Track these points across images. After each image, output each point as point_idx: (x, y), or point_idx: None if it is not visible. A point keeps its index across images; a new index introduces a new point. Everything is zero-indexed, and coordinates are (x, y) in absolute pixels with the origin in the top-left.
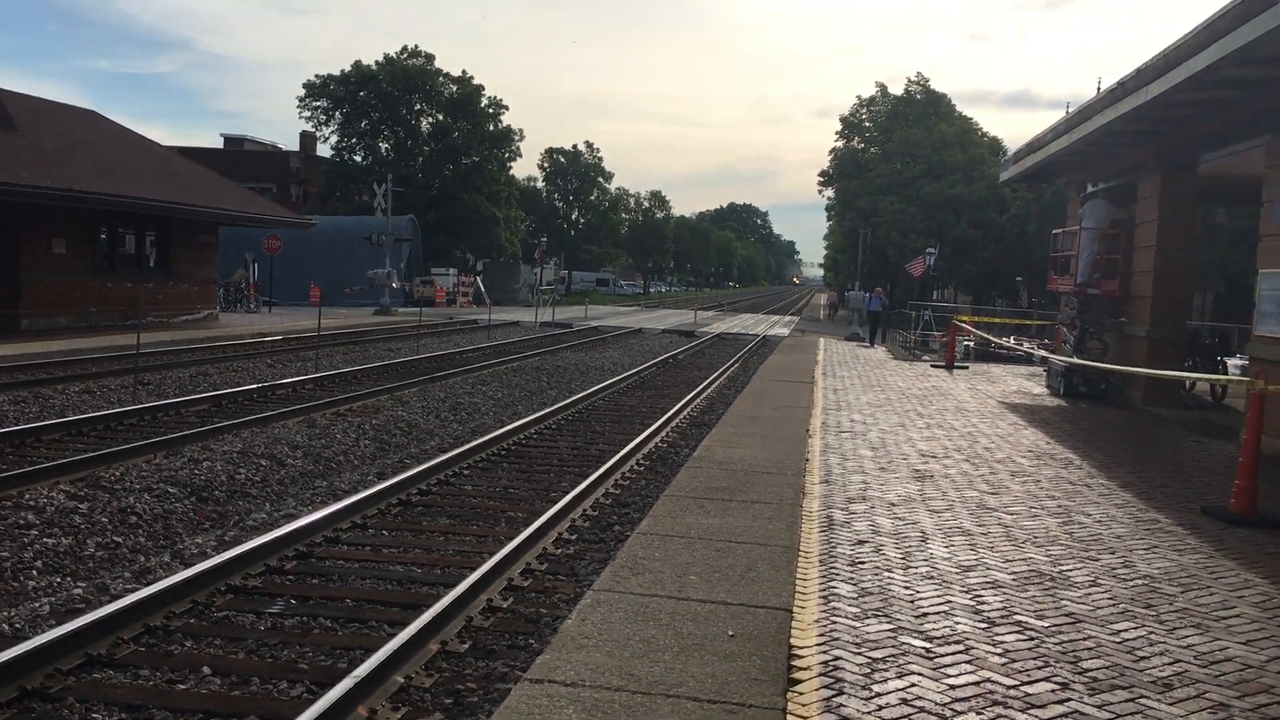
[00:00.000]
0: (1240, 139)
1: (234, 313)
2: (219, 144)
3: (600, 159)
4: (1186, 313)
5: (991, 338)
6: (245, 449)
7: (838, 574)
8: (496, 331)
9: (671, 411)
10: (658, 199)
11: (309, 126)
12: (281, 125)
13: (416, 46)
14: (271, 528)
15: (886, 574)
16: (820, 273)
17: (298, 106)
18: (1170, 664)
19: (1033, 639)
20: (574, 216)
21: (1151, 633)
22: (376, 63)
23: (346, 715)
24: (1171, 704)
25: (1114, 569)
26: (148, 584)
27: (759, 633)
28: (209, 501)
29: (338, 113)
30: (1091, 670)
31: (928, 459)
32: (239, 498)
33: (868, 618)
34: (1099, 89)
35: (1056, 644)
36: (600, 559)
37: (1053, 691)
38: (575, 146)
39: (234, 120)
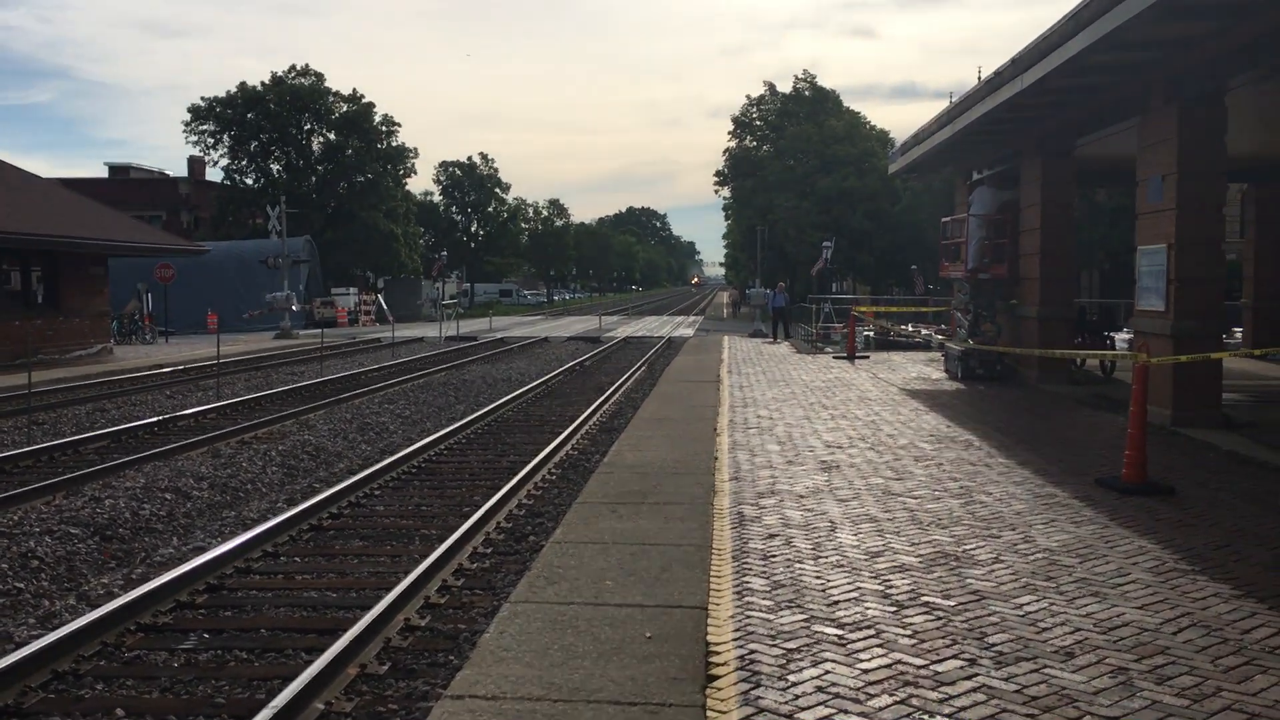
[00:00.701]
0: (1113, 122)
1: (129, 345)
2: (104, 173)
3: (496, 170)
4: (1073, 291)
5: (890, 326)
6: (148, 484)
7: (750, 569)
8: (401, 349)
9: (581, 418)
10: (556, 207)
11: (197, 151)
12: (169, 151)
13: (306, 65)
14: (180, 562)
15: (798, 565)
16: (722, 272)
17: (184, 131)
18: (1071, 633)
19: (940, 618)
20: (473, 229)
21: (1053, 604)
22: (263, 83)
23: None
24: (1074, 671)
25: (1015, 545)
26: (53, 628)
27: (676, 632)
28: (113, 540)
29: (226, 135)
30: (997, 644)
31: (833, 449)
32: (145, 534)
33: (781, 610)
34: (979, 78)
35: (963, 621)
36: (517, 570)
37: (961, 668)
38: (470, 158)
39: (119, 149)
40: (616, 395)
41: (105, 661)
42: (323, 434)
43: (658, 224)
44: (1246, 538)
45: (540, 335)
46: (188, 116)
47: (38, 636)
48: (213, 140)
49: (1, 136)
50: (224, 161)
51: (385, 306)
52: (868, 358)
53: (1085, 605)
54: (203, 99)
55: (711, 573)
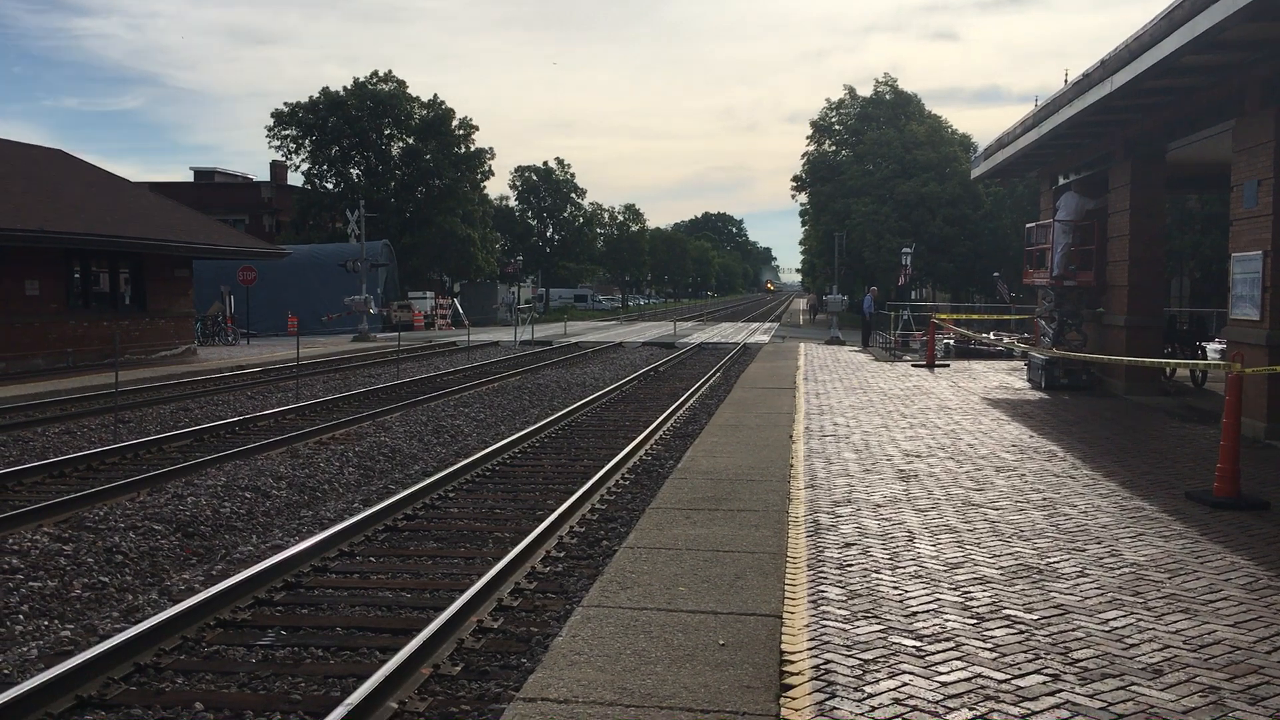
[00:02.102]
0: (1206, 125)
1: (212, 346)
2: (189, 178)
3: (572, 175)
4: (1163, 300)
5: (971, 334)
6: (229, 482)
7: (826, 578)
8: (476, 352)
9: (655, 424)
10: (632, 212)
11: (279, 156)
12: (252, 156)
13: (388, 72)
14: (258, 559)
15: (875, 575)
16: (799, 278)
17: (267, 136)
18: (1160, 650)
19: (1022, 632)
20: (549, 233)
21: (1140, 620)
22: (345, 89)
23: None
24: (1162, 690)
25: (1101, 558)
26: (136, 622)
27: (750, 640)
28: (195, 537)
29: (307, 140)
30: (1082, 660)
31: (912, 458)
32: (225, 531)
33: (857, 620)
34: (1066, 81)
35: (1046, 636)
36: (589, 575)
37: (1044, 683)
38: (546, 164)
39: (205, 153)
40: (691, 401)
41: (185, 656)
42: (399, 436)
43: (734, 229)
44: None
45: (615, 340)
46: (271, 121)
47: (121, 630)
48: (294, 145)
49: (93, 141)
50: (305, 166)
51: (461, 310)
52: (948, 366)
53: (1174, 622)
54: (285, 104)
55: (786, 581)
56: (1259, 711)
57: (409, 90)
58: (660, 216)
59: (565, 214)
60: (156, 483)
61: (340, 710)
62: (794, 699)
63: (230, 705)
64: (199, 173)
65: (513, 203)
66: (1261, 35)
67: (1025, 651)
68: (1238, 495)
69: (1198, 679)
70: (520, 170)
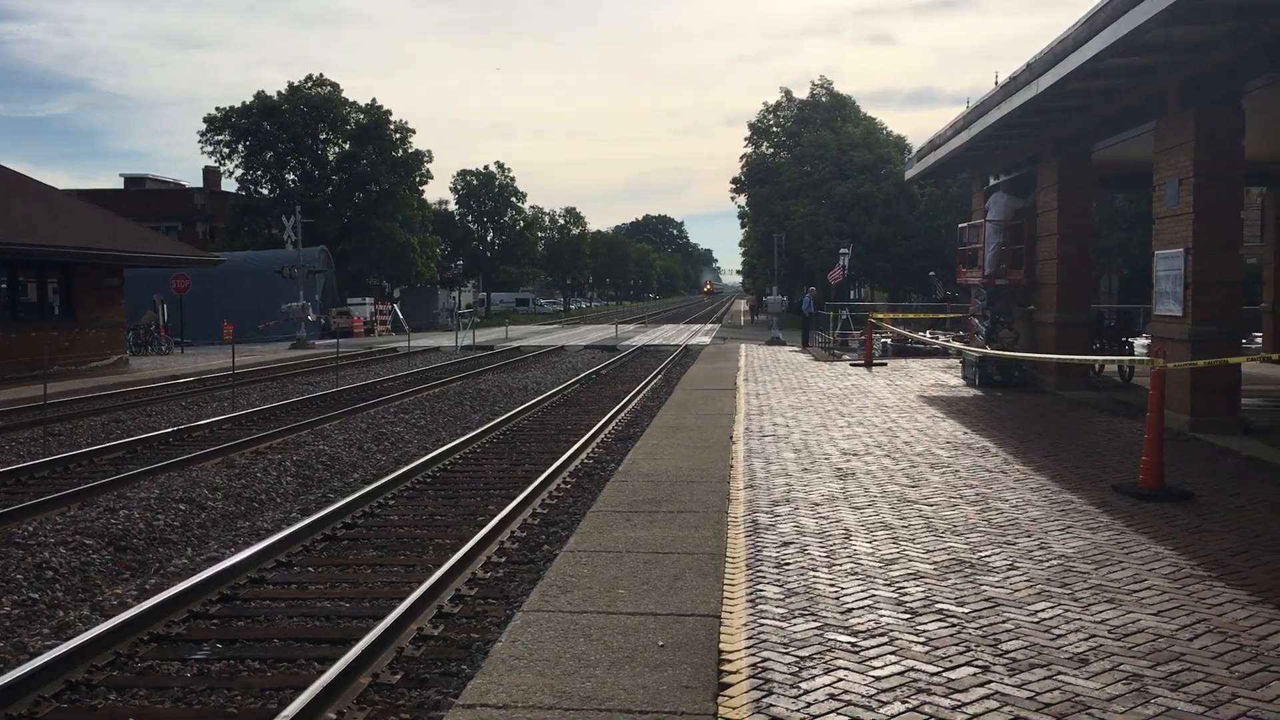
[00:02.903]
0: (1130, 125)
1: (145, 355)
2: (120, 185)
3: (513, 179)
4: (1091, 297)
5: (907, 333)
6: (163, 494)
7: (764, 577)
8: (417, 358)
9: (596, 427)
10: (573, 215)
11: (212, 162)
12: (185, 162)
13: (321, 75)
14: (193, 572)
15: (811, 573)
16: (739, 279)
17: (199, 141)
18: (1086, 640)
19: (954, 625)
20: (490, 238)
21: (1067, 610)
22: (279, 93)
23: None
24: (1088, 678)
25: (1030, 551)
26: (67, 639)
27: (689, 641)
28: (127, 551)
29: (241, 145)
30: (1011, 651)
31: (849, 457)
32: (159, 545)
33: (794, 618)
34: (996, 83)
35: (977, 629)
36: (530, 579)
37: (974, 675)
38: (487, 167)
39: (136, 160)
40: (633, 404)
41: (118, 671)
42: (338, 444)
43: (674, 232)
44: (1264, 543)
45: (556, 344)
46: (203, 127)
47: (51, 646)
48: (228, 150)
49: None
50: (239, 172)
51: (401, 316)
52: (885, 365)
53: (1100, 612)
54: (218, 109)
55: (725, 581)
56: (1180, 697)
57: (345, 94)
58: (601, 219)
59: (506, 218)
60: (88, 496)
61: None
62: (731, 697)
63: None
64: (130, 179)
65: (453, 207)
66: (1180, 38)
67: (957, 644)
68: (1162, 487)
69: (1122, 667)
70: (461, 174)
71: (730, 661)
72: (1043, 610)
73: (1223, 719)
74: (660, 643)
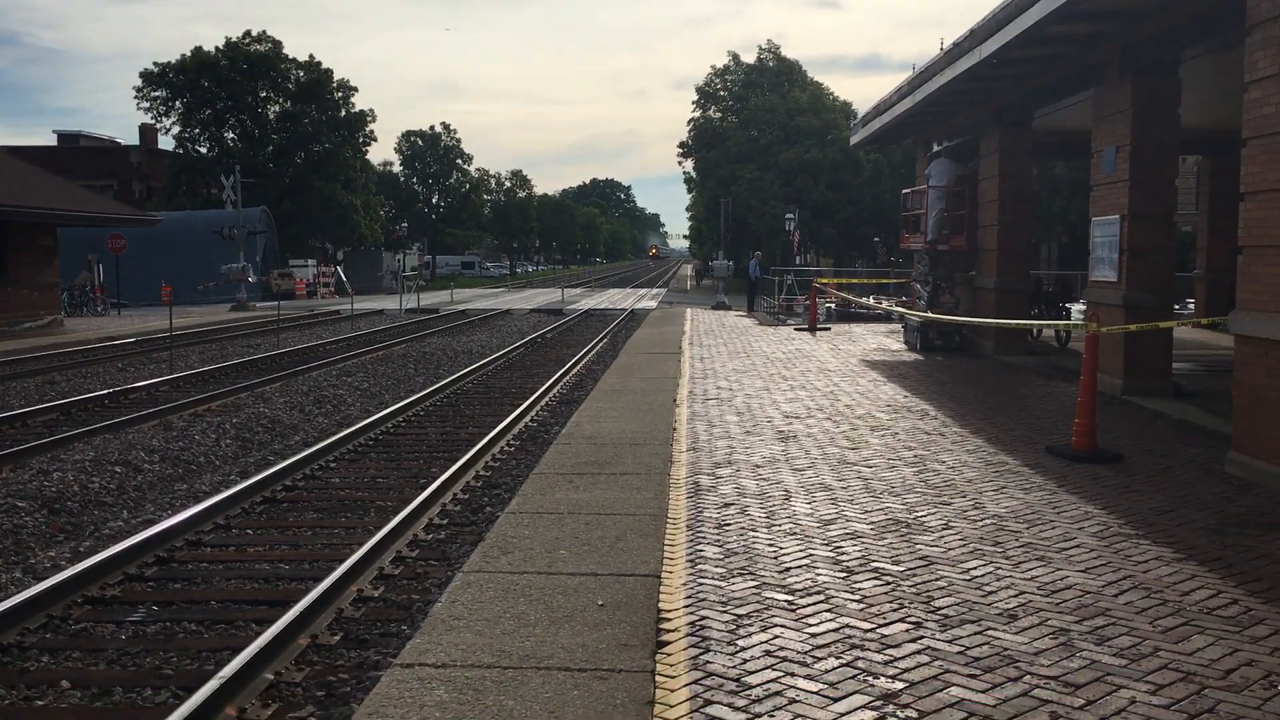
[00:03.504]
0: (1070, 93)
1: (80, 317)
2: (53, 141)
3: (459, 140)
4: (1031, 263)
5: (851, 298)
6: (98, 457)
7: (704, 537)
8: (361, 321)
9: (540, 390)
10: (519, 178)
11: (149, 119)
12: (120, 120)
13: (262, 32)
14: (129, 535)
15: (751, 534)
16: (687, 244)
17: (135, 98)
18: (1015, 596)
19: (889, 584)
20: (435, 200)
21: (999, 568)
22: (218, 49)
23: (214, 716)
24: (1016, 633)
25: (965, 511)
26: None
27: (629, 600)
28: (61, 513)
29: (178, 103)
30: (944, 608)
31: (791, 420)
32: (93, 507)
33: (733, 577)
34: (941, 49)
35: (911, 586)
36: (472, 541)
37: (907, 631)
38: (433, 128)
39: (70, 116)
40: (577, 367)
41: (51, 634)
42: (278, 407)
43: (622, 195)
44: (1190, 503)
45: (502, 308)
46: (139, 83)
47: None
48: (164, 108)
49: None
50: (176, 129)
51: (345, 278)
52: (829, 329)
53: (1030, 569)
54: (155, 64)
55: (666, 541)
56: (1105, 650)
57: (285, 51)
58: (548, 183)
59: (452, 180)
60: (20, 459)
61: (213, 683)
62: (669, 655)
63: (98, 683)
64: (63, 136)
65: (398, 168)
66: (1120, 6)
67: (891, 602)
68: (1094, 449)
69: (1049, 622)
70: (406, 135)
71: (669, 620)
72: (975, 568)
73: (1145, 671)
74: (600, 602)
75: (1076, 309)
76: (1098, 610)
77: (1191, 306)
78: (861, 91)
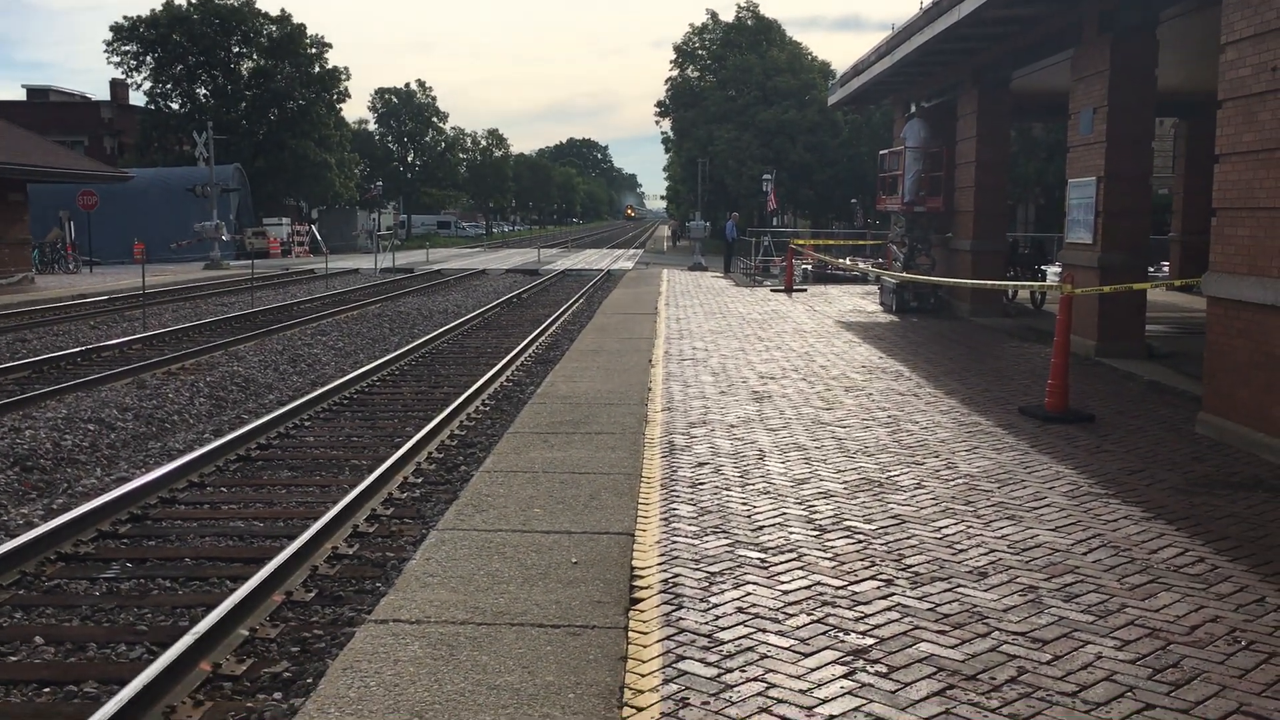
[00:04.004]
0: (1048, 54)
1: (51, 274)
2: (22, 96)
3: (434, 98)
4: (1007, 225)
5: (828, 259)
6: (70, 415)
7: (678, 496)
8: (335, 280)
9: (516, 350)
10: (495, 137)
11: (119, 74)
12: (91, 74)
13: None
14: (102, 492)
15: (725, 493)
16: (664, 205)
17: (105, 52)
18: (986, 554)
19: (861, 542)
20: (410, 159)
21: (970, 527)
22: (189, 2)
23: (188, 671)
24: (986, 590)
25: (938, 471)
26: None
27: (602, 558)
28: (34, 471)
29: (149, 57)
30: (914, 566)
31: (766, 380)
32: (66, 465)
33: (706, 535)
34: (921, 8)
35: (883, 545)
36: (446, 499)
37: (878, 588)
38: (407, 85)
39: (39, 70)
40: (553, 327)
41: (24, 591)
42: (252, 366)
43: (599, 156)
44: (1160, 463)
45: (478, 267)
46: (110, 36)
47: None
48: (135, 62)
49: None
50: (147, 85)
51: (319, 237)
52: (805, 291)
53: (1001, 528)
54: (125, 18)
55: (640, 500)
56: (1073, 607)
57: (257, 5)
58: (525, 143)
59: (427, 138)
60: None
61: (187, 639)
62: (642, 611)
63: (72, 639)
64: (33, 91)
65: (372, 127)
66: None
67: (862, 560)
68: (1066, 410)
69: (1019, 580)
70: (380, 92)
71: (642, 577)
72: (947, 527)
73: (1111, 627)
74: (574, 560)
75: (1052, 271)
76: (1067, 568)
77: (1166, 269)
78: (840, 52)
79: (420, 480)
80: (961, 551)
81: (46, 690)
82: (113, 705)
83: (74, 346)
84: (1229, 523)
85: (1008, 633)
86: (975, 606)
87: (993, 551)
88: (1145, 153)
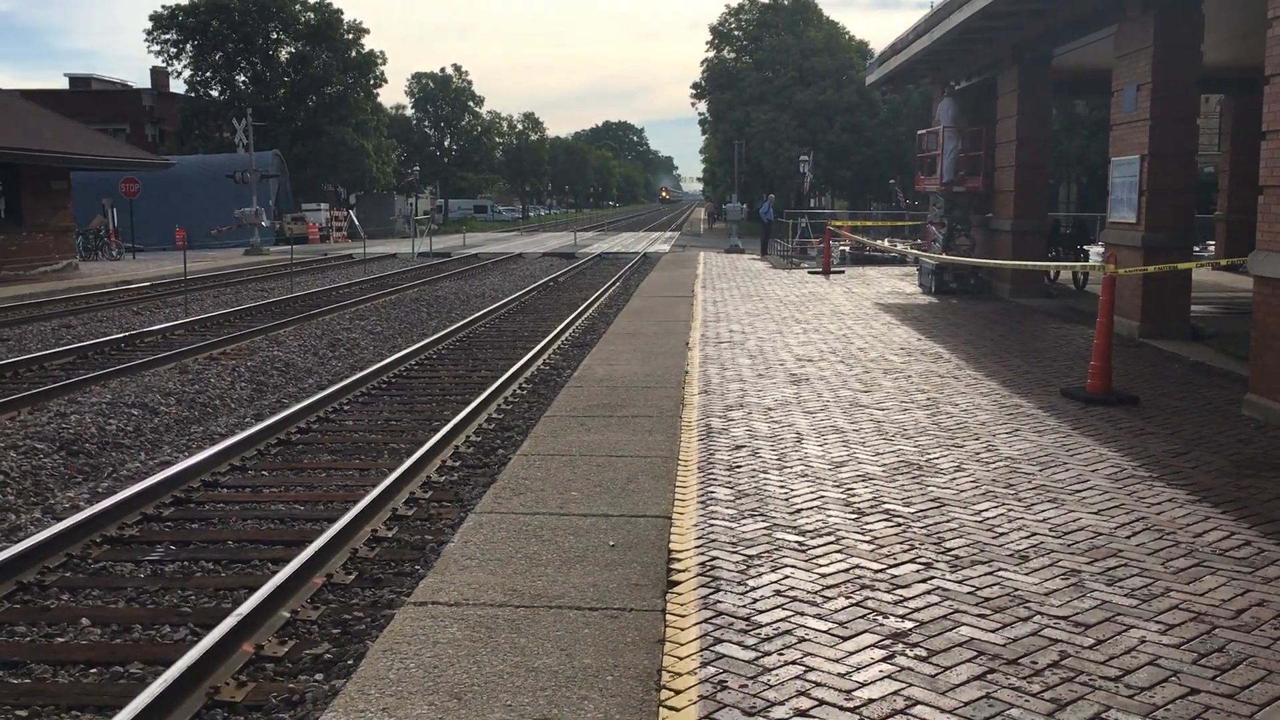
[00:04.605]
0: (1091, 30)
1: (95, 261)
2: (65, 85)
3: (470, 82)
4: (1048, 204)
5: (866, 240)
6: (115, 399)
7: (716, 479)
8: (373, 265)
9: (553, 334)
10: (532, 121)
11: (160, 62)
12: (132, 62)
13: None
14: (146, 476)
15: (762, 475)
16: (700, 187)
17: (146, 40)
18: (1027, 538)
19: (900, 525)
20: (446, 143)
21: (1010, 510)
22: None
23: (231, 652)
24: (1027, 574)
25: (978, 454)
26: (18, 541)
27: (640, 541)
28: (79, 455)
29: (189, 45)
30: (954, 549)
31: (804, 363)
32: (111, 449)
33: (744, 518)
34: None
35: (922, 528)
36: (484, 483)
37: (917, 571)
38: (444, 70)
39: (81, 59)
40: (590, 311)
41: (71, 573)
42: (292, 350)
43: (635, 138)
44: (1205, 445)
45: (515, 251)
46: (150, 25)
47: (2, 549)
48: (175, 50)
49: None
50: (187, 73)
51: (357, 222)
52: (843, 273)
53: (1042, 511)
54: (164, 6)
55: (677, 483)
56: (1116, 591)
57: None
58: (560, 126)
59: (464, 123)
60: (38, 401)
61: (230, 620)
62: (680, 594)
63: (118, 620)
64: (75, 79)
65: (409, 111)
66: None
67: (901, 543)
68: (1109, 391)
69: (1061, 563)
70: (417, 77)
71: (680, 560)
72: (987, 510)
73: (1155, 611)
74: (611, 543)
75: (1095, 251)
76: (1109, 551)
77: (1212, 248)
78: (878, 31)
79: (458, 464)
80: (1002, 535)
81: (94, 671)
82: (158, 686)
83: (118, 332)
84: (1276, 505)
85: (1049, 617)
86: (1016, 590)
87: (1034, 535)
88: (1190, 130)
